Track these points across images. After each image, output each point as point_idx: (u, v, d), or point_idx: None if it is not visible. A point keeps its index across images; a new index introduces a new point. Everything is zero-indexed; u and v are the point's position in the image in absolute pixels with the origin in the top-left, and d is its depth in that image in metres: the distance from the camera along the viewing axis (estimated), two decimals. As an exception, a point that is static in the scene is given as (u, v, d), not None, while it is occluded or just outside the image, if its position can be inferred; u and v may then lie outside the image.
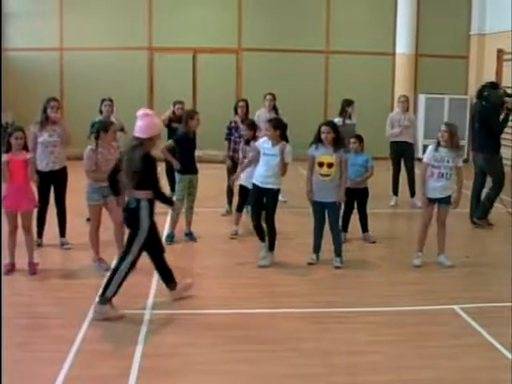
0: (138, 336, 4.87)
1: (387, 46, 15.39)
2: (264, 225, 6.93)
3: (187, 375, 4.35)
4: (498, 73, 14.39)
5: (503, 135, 14.08)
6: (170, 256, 7.02)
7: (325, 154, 6.62)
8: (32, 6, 14.60)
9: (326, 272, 6.54)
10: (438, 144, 6.68)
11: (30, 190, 6.41)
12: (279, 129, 6.74)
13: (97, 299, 5.29)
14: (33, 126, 7.11)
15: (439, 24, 15.36)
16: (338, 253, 6.79)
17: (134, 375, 4.27)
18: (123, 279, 5.26)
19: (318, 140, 6.67)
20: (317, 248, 6.87)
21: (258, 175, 6.82)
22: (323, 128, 6.66)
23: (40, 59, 14.59)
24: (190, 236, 7.73)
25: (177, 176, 7.70)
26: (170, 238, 7.57)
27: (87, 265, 6.66)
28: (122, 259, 5.33)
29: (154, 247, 5.53)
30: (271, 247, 6.82)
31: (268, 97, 9.90)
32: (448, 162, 6.64)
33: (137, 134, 5.30)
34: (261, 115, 9.75)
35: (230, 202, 9.12)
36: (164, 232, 7.71)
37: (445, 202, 6.75)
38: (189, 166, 7.58)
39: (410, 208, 9.69)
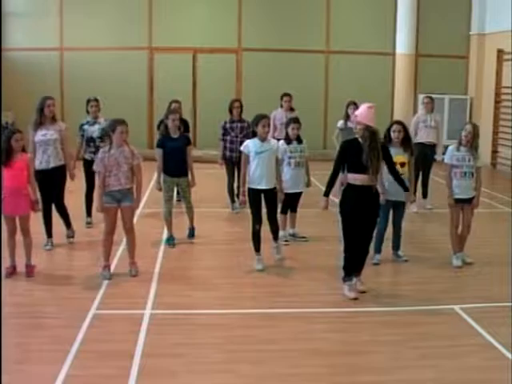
0: (137, 336, 4.87)
1: (387, 46, 15.39)
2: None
3: (187, 375, 4.34)
4: (498, 73, 14.40)
5: (503, 135, 14.26)
6: (172, 257, 7.07)
7: (396, 154, 6.50)
8: (32, 6, 14.62)
9: (326, 272, 6.53)
10: (460, 144, 6.63)
11: (28, 193, 6.27)
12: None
13: None
14: (30, 127, 7.12)
15: (439, 24, 15.37)
16: (398, 246, 7.00)
17: (134, 375, 4.27)
18: None
19: (388, 141, 6.58)
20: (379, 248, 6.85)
21: (256, 178, 6.54)
22: (395, 127, 6.60)
23: (40, 59, 14.58)
24: (191, 231, 7.73)
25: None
26: (171, 240, 7.52)
27: (87, 265, 6.66)
28: None
29: None
30: (277, 237, 6.87)
31: (285, 98, 9.87)
32: (469, 160, 6.62)
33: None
34: (277, 115, 9.76)
35: (233, 201, 9.19)
36: (163, 236, 7.70)
37: (470, 203, 6.73)
38: (169, 169, 7.37)
39: (422, 209, 9.59)
